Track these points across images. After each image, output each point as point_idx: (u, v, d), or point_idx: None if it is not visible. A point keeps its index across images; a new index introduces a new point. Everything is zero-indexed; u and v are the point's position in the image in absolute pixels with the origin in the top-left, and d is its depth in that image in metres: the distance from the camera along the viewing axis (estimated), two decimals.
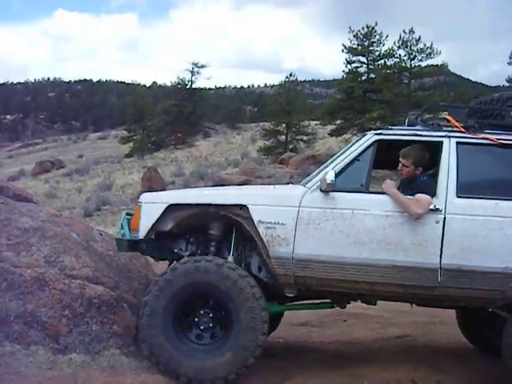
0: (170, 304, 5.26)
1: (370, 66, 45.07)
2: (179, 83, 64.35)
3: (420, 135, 5.52)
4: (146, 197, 5.85)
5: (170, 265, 5.82)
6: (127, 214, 6.17)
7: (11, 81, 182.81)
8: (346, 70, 45.59)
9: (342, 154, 5.60)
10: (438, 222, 5.18)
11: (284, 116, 48.96)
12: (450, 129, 5.53)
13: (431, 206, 5.19)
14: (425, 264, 5.14)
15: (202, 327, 5.39)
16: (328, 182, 5.16)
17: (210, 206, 5.53)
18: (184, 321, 5.40)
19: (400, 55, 44.52)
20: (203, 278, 5.25)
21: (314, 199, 5.35)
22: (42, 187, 43.02)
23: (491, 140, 5.36)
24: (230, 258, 5.59)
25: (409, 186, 5.49)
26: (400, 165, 5.55)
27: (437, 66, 44.32)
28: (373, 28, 44.69)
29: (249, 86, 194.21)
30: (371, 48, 44.82)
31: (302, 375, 5.52)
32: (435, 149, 5.41)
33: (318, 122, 50.27)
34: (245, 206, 5.42)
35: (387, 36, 44.92)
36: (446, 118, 5.63)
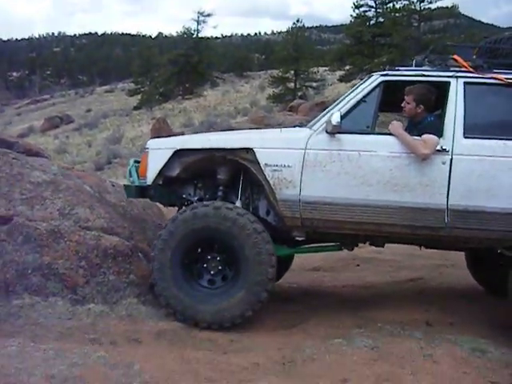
0: (176, 254, 5.35)
1: (378, 10, 44.30)
2: (185, 33, 63.46)
3: (427, 75, 5.46)
4: (152, 143, 5.89)
5: (178, 210, 5.89)
6: (135, 162, 6.21)
7: (15, 37, 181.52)
8: (354, 15, 44.88)
9: (348, 95, 5.57)
10: (444, 163, 5.16)
11: (292, 63, 48.39)
12: (457, 69, 5.45)
13: (438, 147, 5.17)
14: (431, 205, 5.15)
15: (212, 272, 5.48)
16: (333, 123, 5.15)
17: (216, 150, 5.55)
18: (194, 268, 5.49)
19: None
20: (203, 223, 5.32)
21: (320, 141, 5.34)
22: (52, 143, 43.00)
23: (500, 79, 5.29)
24: (238, 202, 5.64)
25: (415, 127, 5.46)
26: (404, 102, 5.52)
27: (447, 7, 43.23)
28: None
29: (256, 34, 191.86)
30: None
31: (315, 318, 5.60)
32: (443, 89, 5.36)
33: (326, 68, 49.80)
34: (251, 149, 5.44)
35: None
36: (454, 58, 5.54)
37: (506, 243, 5.32)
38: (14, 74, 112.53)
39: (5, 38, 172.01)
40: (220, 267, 5.48)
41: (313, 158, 5.30)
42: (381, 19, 43.95)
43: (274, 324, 5.54)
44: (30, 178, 6.05)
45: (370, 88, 5.43)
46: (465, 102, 5.27)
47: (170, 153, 5.60)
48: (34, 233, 5.48)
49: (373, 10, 44.51)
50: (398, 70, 5.62)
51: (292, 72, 48.75)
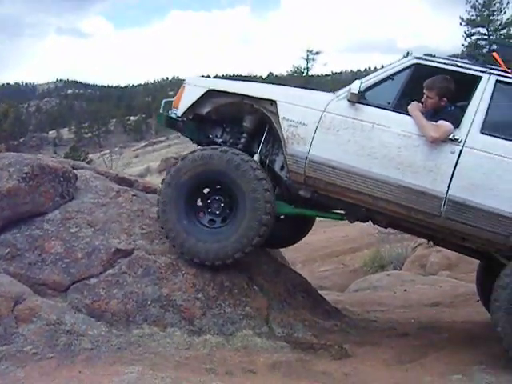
0: (180, 191, 5.64)
1: (491, 37, 43.08)
2: (295, 72, 64.47)
3: (460, 66, 5.42)
4: (190, 79, 6.24)
5: None
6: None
7: (132, 83, 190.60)
8: (466, 44, 43.94)
9: (379, 70, 5.69)
10: (453, 153, 5.14)
11: None
12: (493, 66, 5.39)
13: (450, 136, 5.14)
14: (431, 190, 5.14)
15: (212, 212, 5.75)
16: (352, 91, 5.31)
17: (245, 97, 5.81)
18: (194, 205, 5.78)
19: None
20: (208, 165, 5.56)
21: (339, 107, 5.49)
22: None
23: None
24: (257, 154, 5.87)
25: (435, 115, 5.39)
26: (424, 96, 5.47)
27: None
28: None
29: (365, 69, 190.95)
30: (491, 18, 42.81)
31: (434, 353, 5.43)
32: (473, 83, 5.30)
33: None
34: (274, 101, 5.64)
35: (508, 3, 42.84)
36: (493, 56, 5.52)
37: (500, 247, 5.18)
38: (132, 117, 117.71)
39: (123, 85, 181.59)
40: (220, 208, 5.73)
41: (328, 121, 5.45)
42: (494, 46, 42.71)
43: (391, 358, 5.41)
44: (150, 213, 6.30)
45: (400, 67, 5.50)
46: (491, 98, 5.22)
47: (202, 91, 5.94)
48: (153, 266, 5.69)
49: (485, 37, 43.36)
50: (434, 56, 5.60)
51: None
